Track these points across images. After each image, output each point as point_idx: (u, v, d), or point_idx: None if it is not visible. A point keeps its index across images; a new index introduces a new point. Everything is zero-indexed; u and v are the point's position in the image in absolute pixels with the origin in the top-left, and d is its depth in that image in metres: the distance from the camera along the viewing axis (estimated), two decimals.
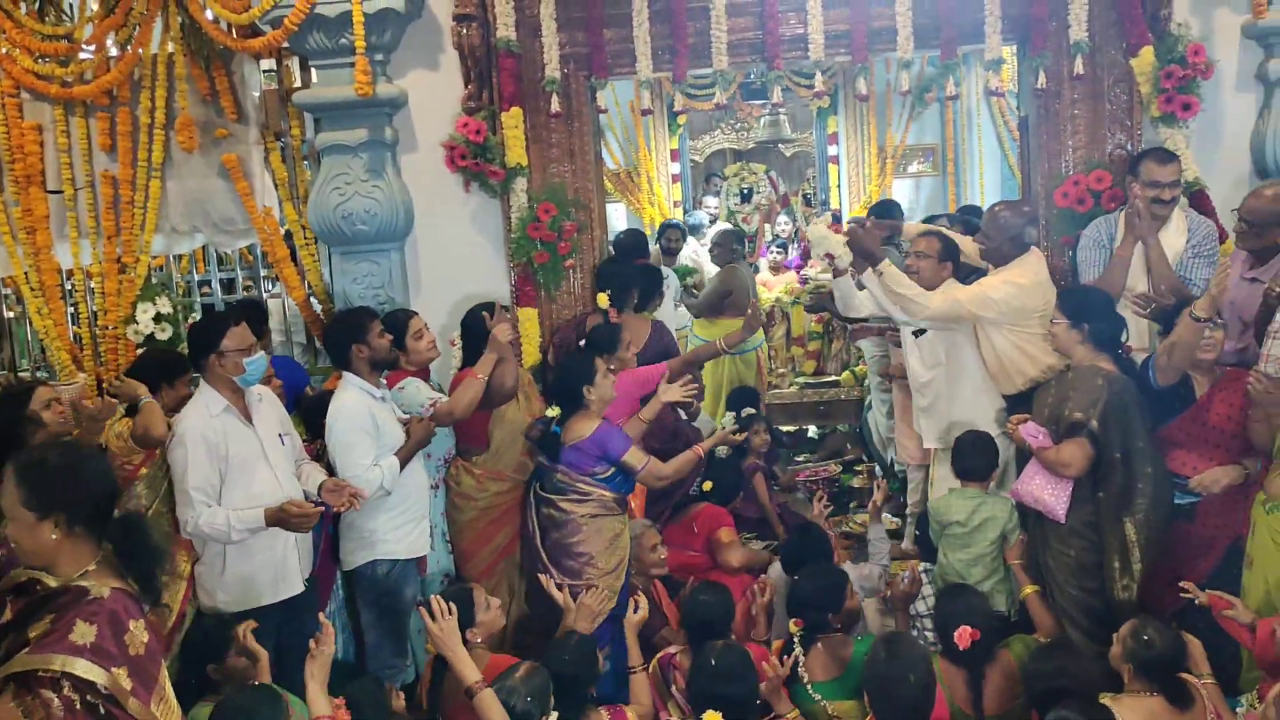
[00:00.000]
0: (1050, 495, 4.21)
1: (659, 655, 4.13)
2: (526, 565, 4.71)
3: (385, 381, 4.54)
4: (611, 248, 6.28)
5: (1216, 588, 4.05)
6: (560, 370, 4.70)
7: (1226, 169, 4.95)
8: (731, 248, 7.62)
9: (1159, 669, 3.46)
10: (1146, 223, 4.56)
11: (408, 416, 4.48)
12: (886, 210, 6.44)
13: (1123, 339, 4.41)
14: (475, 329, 4.78)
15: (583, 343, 4.96)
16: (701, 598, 4.19)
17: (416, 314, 4.85)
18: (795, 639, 3.96)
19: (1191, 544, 4.22)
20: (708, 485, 5.10)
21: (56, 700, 2.48)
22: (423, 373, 4.83)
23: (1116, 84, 4.97)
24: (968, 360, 4.81)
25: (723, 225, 9.28)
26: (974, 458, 4.56)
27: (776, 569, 4.73)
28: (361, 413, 4.27)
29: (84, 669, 2.50)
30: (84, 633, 2.53)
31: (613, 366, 4.78)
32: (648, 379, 4.91)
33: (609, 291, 5.29)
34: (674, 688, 4.03)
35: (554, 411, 4.51)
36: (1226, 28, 4.95)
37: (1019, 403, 4.67)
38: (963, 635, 3.88)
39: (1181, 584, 3.92)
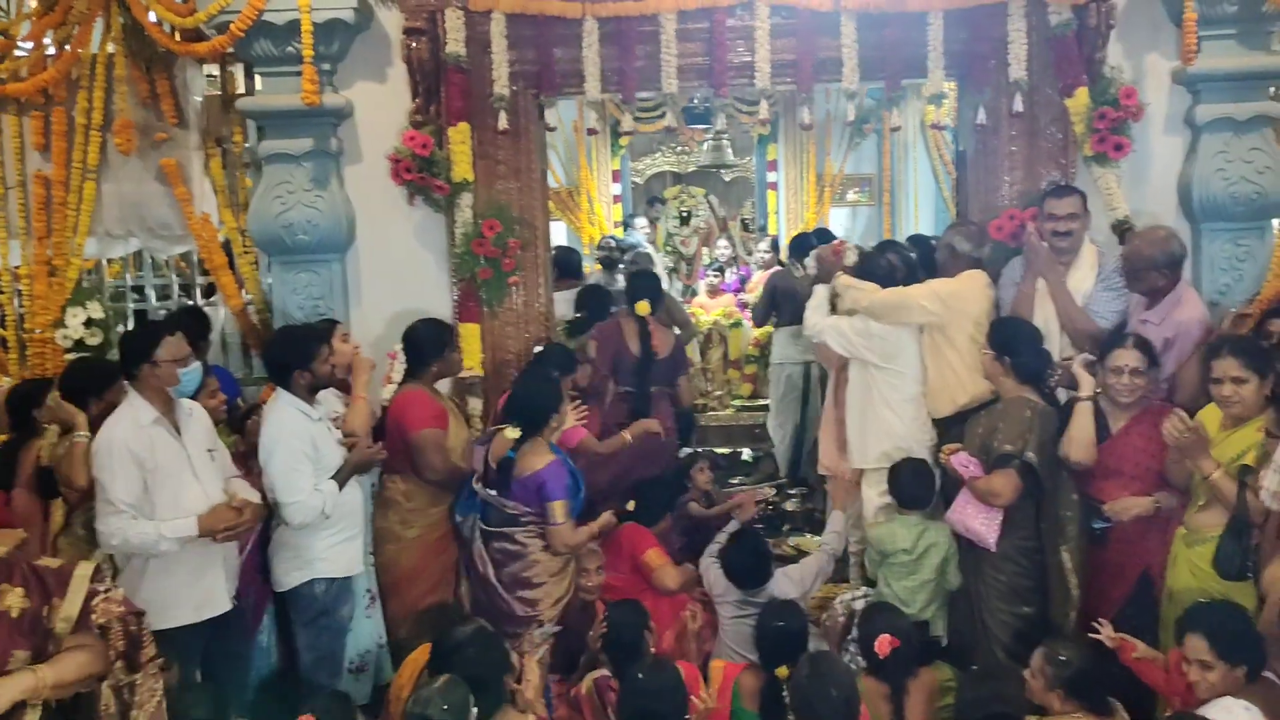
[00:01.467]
0: (981, 524, 4.29)
1: (594, 677, 4.12)
2: (481, 600, 4.58)
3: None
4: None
5: (1129, 617, 4.15)
6: (530, 391, 4.59)
7: (1154, 209, 5.09)
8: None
9: (1085, 684, 3.52)
10: (1041, 257, 4.70)
11: (343, 437, 4.42)
12: (806, 242, 6.69)
13: (1047, 373, 4.51)
14: (417, 342, 4.76)
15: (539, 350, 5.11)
16: (614, 617, 4.19)
17: (339, 322, 4.88)
18: (785, 684, 3.89)
19: (1105, 571, 4.32)
20: (631, 505, 5.08)
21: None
22: (344, 384, 4.76)
23: (1052, 123, 5.10)
24: (902, 384, 4.91)
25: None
26: (915, 486, 4.63)
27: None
28: (301, 436, 4.18)
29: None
30: (51, 561, 2.96)
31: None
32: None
33: (648, 299, 5.63)
34: (610, 710, 4.02)
35: (514, 433, 4.40)
36: (1157, 73, 5.11)
37: (947, 429, 4.79)
38: (882, 643, 3.94)
39: (1095, 622, 3.99)
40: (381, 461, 4.69)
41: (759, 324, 7.73)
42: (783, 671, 3.88)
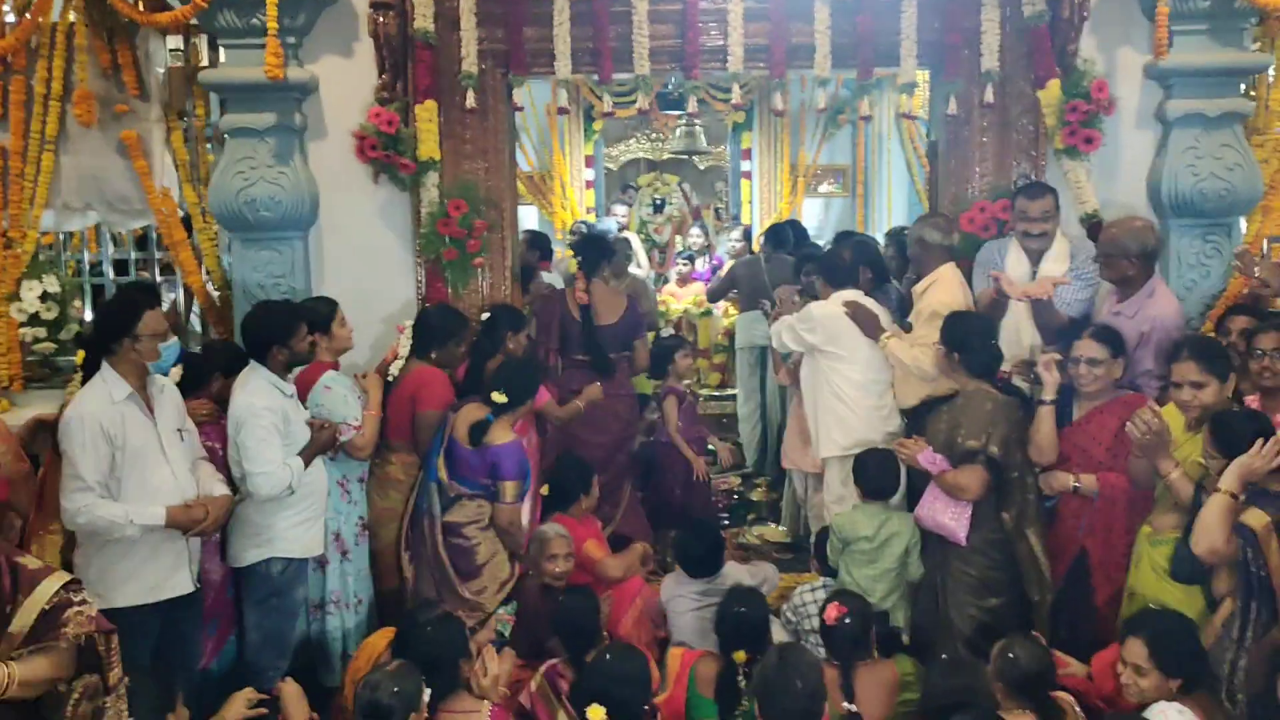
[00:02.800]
0: (951, 519, 4.30)
1: (544, 667, 4.08)
2: (432, 585, 4.56)
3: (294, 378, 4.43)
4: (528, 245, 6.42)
5: (1068, 601, 4.25)
6: (519, 368, 4.70)
7: (1124, 203, 5.09)
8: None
9: (1027, 687, 3.52)
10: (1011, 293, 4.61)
11: (309, 417, 4.36)
12: (783, 233, 6.66)
13: (999, 367, 4.49)
14: (422, 326, 4.80)
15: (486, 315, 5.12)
16: (566, 604, 4.17)
17: (337, 303, 4.77)
18: (741, 669, 3.86)
19: (1050, 554, 4.35)
20: (545, 489, 5.00)
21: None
22: (333, 363, 4.72)
23: (1024, 114, 5.10)
24: (850, 370, 4.89)
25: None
26: (880, 477, 4.60)
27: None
28: (274, 409, 4.14)
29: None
30: (31, 560, 2.90)
31: (512, 346, 4.95)
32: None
33: (580, 258, 5.66)
34: (563, 696, 3.98)
35: (500, 397, 4.46)
36: (1129, 67, 5.11)
37: (914, 421, 4.78)
38: (830, 610, 3.95)
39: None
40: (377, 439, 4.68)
41: (711, 300, 7.95)
42: (740, 656, 3.85)
